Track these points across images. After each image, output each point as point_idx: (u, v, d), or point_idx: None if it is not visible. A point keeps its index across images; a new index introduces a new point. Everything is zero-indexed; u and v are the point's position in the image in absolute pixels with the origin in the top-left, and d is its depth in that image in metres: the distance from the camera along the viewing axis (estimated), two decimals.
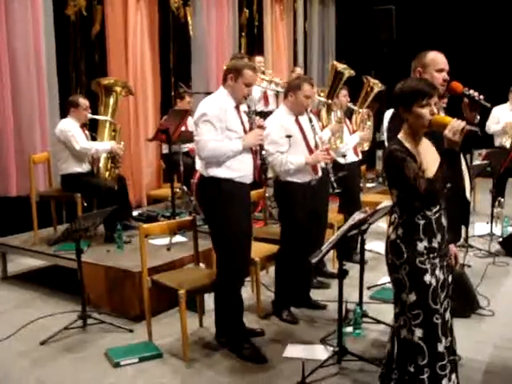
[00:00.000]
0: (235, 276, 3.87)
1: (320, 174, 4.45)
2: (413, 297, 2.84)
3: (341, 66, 5.80)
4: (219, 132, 3.70)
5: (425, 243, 2.86)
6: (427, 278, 2.84)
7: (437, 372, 2.85)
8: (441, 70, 3.32)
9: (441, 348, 2.86)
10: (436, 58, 3.35)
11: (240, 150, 3.76)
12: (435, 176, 2.75)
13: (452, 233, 3.08)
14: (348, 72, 5.79)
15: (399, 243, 2.86)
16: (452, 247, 3.13)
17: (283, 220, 4.48)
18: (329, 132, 5.25)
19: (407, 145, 2.83)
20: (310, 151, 4.38)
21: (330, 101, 5.75)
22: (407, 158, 2.78)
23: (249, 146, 3.82)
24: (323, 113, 5.86)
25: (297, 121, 4.39)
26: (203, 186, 3.87)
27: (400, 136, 2.87)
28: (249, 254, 4.03)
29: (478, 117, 3.35)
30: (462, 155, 3.24)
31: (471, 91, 3.27)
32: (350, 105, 6.10)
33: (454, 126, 2.73)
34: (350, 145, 5.73)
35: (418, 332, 2.84)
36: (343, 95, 5.81)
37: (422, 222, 2.85)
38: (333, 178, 4.46)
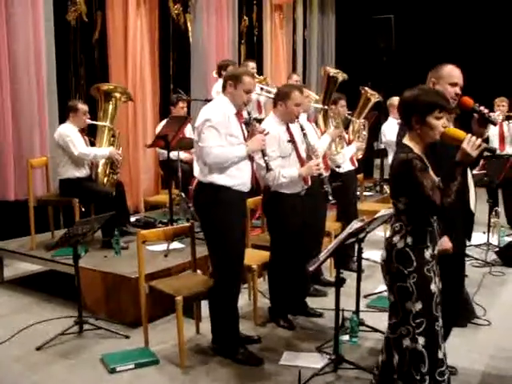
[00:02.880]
0: (231, 283, 3.86)
1: (310, 183, 4.43)
2: (419, 305, 2.85)
3: (333, 71, 5.79)
4: (223, 138, 3.72)
5: (430, 251, 2.89)
6: (432, 286, 2.88)
7: (436, 378, 2.89)
8: (454, 84, 3.36)
9: (440, 355, 2.91)
10: (451, 72, 3.39)
11: (244, 155, 3.79)
12: (449, 189, 2.77)
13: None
14: (341, 75, 5.76)
15: (408, 251, 2.85)
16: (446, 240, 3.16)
17: (273, 230, 4.44)
18: (328, 138, 5.19)
19: (418, 152, 2.84)
20: (301, 160, 4.35)
21: (326, 107, 5.73)
22: (427, 168, 2.79)
23: (252, 151, 3.85)
24: (320, 120, 5.85)
25: (288, 130, 4.33)
26: (200, 192, 3.87)
27: (408, 143, 2.86)
28: (242, 263, 4.02)
29: (487, 133, 3.39)
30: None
31: (481, 107, 3.30)
32: (348, 115, 6.11)
33: (472, 140, 2.79)
34: (347, 155, 5.73)
35: (421, 340, 2.86)
36: (341, 105, 5.78)
37: (428, 230, 2.88)
38: (328, 189, 4.43)
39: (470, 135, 2.83)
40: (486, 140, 3.49)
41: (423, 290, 2.85)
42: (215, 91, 6.84)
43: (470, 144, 2.79)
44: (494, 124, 3.46)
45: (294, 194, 4.32)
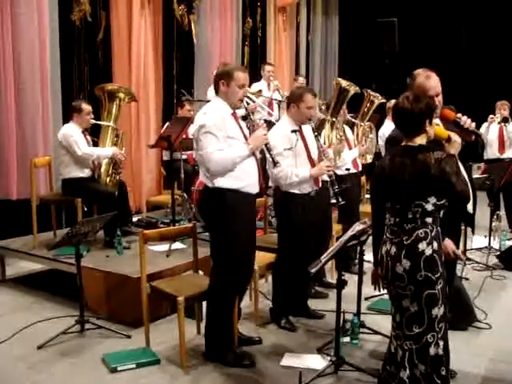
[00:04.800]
0: (231, 286, 3.81)
1: (320, 185, 4.46)
2: (442, 310, 2.90)
3: (345, 83, 5.71)
4: (221, 141, 3.63)
5: (442, 254, 2.95)
6: (447, 289, 2.95)
7: (448, 377, 2.99)
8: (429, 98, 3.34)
9: (449, 354, 3.00)
10: (422, 85, 3.34)
11: (247, 154, 3.69)
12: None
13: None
14: (353, 89, 5.70)
15: (435, 257, 2.87)
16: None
17: (282, 230, 4.47)
18: (331, 153, 5.17)
19: None
20: (312, 162, 4.39)
21: (334, 119, 5.66)
22: None
23: (255, 149, 3.77)
24: (327, 130, 5.80)
25: (300, 131, 4.38)
26: (207, 197, 3.78)
27: (426, 144, 2.93)
28: (252, 268, 4.00)
29: (473, 137, 3.39)
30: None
31: (463, 118, 3.29)
32: (351, 118, 6.07)
33: (456, 136, 3.05)
34: (348, 159, 5.69)
35: (441, 344, 2.92)
36: (342, 108, 5.76)
37: (440, 231, 2.93)
38: (337, 190, 4.45)
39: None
40: (477, 143, 3.49)
41: (444, 294, 2.91)
42: (211, 94, 6.90)
43: (456, 137, 3.03)
44: (478, 135, 3.43)
45: (303, 194, 4.35)
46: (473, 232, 3.82)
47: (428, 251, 2.87)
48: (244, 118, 3.95)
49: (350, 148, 5.86)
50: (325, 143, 5.42)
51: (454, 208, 2.96)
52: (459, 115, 3.34)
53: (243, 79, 3.76)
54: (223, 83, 3.73)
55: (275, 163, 3.93)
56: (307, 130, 4.43)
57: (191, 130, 6.55)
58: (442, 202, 2.89)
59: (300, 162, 4.32)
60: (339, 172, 5.63)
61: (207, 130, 3.62)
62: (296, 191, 4.33)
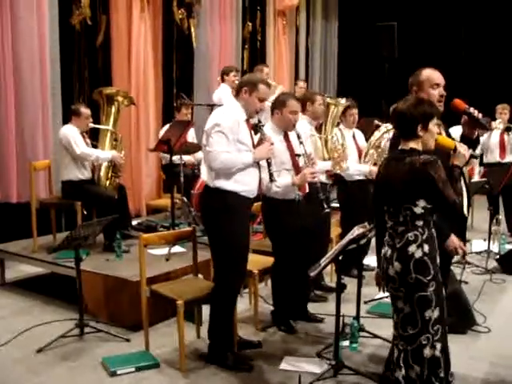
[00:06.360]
0: (231, 289, 3.85)
1: (307, 190, 4.42)
2: (436, 313, 2.91)
3: (333, 103, 5.37)
4: (231, 144, 3.70)
5: (438, 257, 2.94)
6: (444, 291, 2.97)
7: (448, 380, 2.99)
8: (436, 85, 3.38)
9: (449, 356, 3.00)
10: (430, 75, 3.42)
11: (250, 162, 3.77)
12: (457, 190, 2.92)
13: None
14: (341, 104, 5.50)
15: (426, 260, 2.88)
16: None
17: (270, 235, 4.48)
18: (329, 165, 5.08)
19: None
20: (297, 169, 4.32)
21: (328, 136, 5.39)
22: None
23: (259, 160, 3.84)
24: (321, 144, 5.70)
25: (285, 138, 4.34)
26: (207, 196, 3.84)
27: (418, 148, 2.94)
28: (245, 269, 4.00)
29: (476, 133, 3.44)
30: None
31: (471, 109, 3.34)
32: (378, 122, 5.84)
33: (462, 145, 3.04)
34: (358, 171, 5.56)
35: (438, 346, 2.93)
36: (354, 113, 5.67)
37: (435, 234, 2.93)
38: (322, 197, 4.41)
39: (458, 142, 3.07)
40: (476, 141, 3.54)
41: (440, 297, 2.92)
42: (217, 96, 6.89)
43: (463, 148, 3.01)
44: (486, 128, 3.51)
45: (288, 200, 4.30)
46: (462, 236, 3.81)
47: (418, 254, 2.88)
48: (254, 129, 3.99)
49: (361, 154, 5.68)
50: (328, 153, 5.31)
51: (443, 212, 2.98)
52: (467, 106, 3.40)
53: (265, 93, 3.86)
54: (245, 91, 3.81)
55: (271, 179, 3.96)
56: (293, 136, 4.37)
57: (191, 134, 6.64)
58: (432, 206, 2.90)
59: (285, 169, 4.28)
60: (343, 174, 5.54)
61: (221, 129, 3.68)
62: (280, 197, 4.28)
